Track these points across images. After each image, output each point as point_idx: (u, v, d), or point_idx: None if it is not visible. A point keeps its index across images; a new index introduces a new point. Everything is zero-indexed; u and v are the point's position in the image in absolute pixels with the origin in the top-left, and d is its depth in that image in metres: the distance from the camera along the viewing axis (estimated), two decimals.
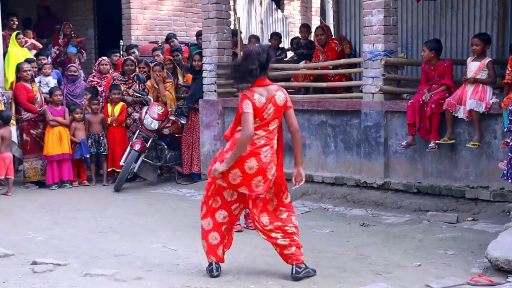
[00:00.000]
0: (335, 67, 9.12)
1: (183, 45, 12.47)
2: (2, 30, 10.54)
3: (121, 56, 11.44)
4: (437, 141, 7.48)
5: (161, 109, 9.77)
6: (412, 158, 7.92)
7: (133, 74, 10.28)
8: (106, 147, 10.02)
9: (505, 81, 7.00)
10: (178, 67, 10.89)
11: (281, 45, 11.87)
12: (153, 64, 10.38)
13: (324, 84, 9.03)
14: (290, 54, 11.96)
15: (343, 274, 5.33)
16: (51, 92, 10.06)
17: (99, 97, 10.33)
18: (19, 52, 10.36)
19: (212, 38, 9.84)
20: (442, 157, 7.66)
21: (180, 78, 10.86)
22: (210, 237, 5.28)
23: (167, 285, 5.05)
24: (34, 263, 5.55)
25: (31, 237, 6.74)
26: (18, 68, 9.73)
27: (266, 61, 5.14)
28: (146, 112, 9.73)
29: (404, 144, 7.73)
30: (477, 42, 7.38)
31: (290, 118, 5.20)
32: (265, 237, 5.24)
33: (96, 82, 10.67)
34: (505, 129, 6.42)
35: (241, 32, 10.81)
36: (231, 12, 11.88)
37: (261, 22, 15.49)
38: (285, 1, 16.44)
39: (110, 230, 7.07)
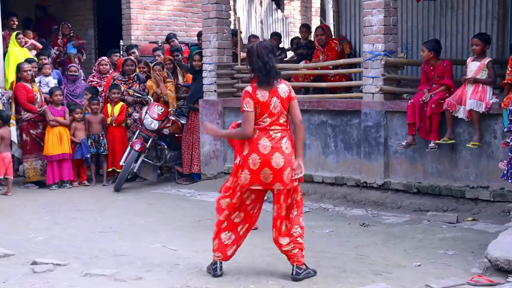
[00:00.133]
0: (335, 67, 9.12)
1: (183, 45, 12.48)
2: (2, 30, 10.55)
3: (121, 56, 11.44)
4: (437, 141, 7.48)
5: (161, 109, 9.77)
6: (412, 158, 7.92)
7: (133, 74, 10.28)
8: (106, 147, 10.02)
9: (505, 81, 7.00)
10: (178, 67, 10.90)
11: (281, 45, 11.88)
12: (153, 63, 10.38)
13: (324, 84, 9.03)
14: (290, 54, 11.96)
15: (343, 274, 5.33)
16: (51, 92, 10.06)
17: (99, 97, 10.33)
18: (19, 52, 10.37)
19: (212, 38, 9.84)
20: (442, 157, 7.66)
21: (180, 78, 10.87)
22: (224, 235, 5.28)
23: (167, 285, 5.06)
24: (34, 263, 5.55)
25: (31, 237, 6.74)
26: (19, 68, 9.73)
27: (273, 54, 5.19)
28: (146, 112, 9.73)
29: (404, 144, 7.73)
30: (477, 42, 7.38)
31: (294, 109, 5.20)
32: (274, 239, 5.27)
33: (96, 82, 10.68)
34: (505, 129, 6.42)
35: (241, 32, 10.81)
36: (231, 12, 11.88)
37: (261, 22, 15.50)
38: (285, 1, 16.45)
39: (110, 230, 7.07)
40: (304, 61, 9.66)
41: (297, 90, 9.84)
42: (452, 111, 7.34)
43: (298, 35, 11.40)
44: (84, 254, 6.00)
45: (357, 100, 8.36)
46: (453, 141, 7.47)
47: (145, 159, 9.77)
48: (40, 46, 11.59)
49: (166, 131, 10.00)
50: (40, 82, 10.45)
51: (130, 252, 6.06)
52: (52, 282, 5.11)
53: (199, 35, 10.97)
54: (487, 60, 7.32)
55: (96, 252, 6.07)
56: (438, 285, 4.96)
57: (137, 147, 9.51)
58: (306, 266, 5.25)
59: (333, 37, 10.19)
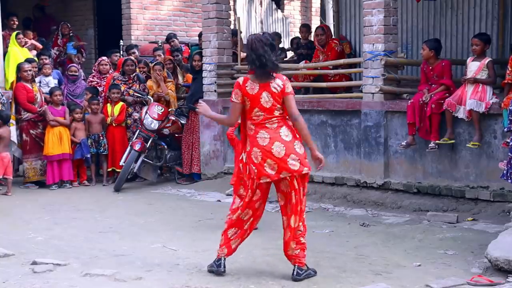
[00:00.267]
0: (335, 67, 9.12)
1: (183, 45, 12.47)
2: (2, 30, 10.53)
3: (121, 56, 11.44)
4: (437, 141, 7.48)
5: (161, 109, 9.77)
6: (412, 158, 7.92)
7: (133, 74, 10.28)
8: (106, 147, 10.02)
9: (505, 81, 7.00)
10: (178, 67, 10.90)
11: (281, 45, 11.89)
12: (153, 63, 10.38)
13: (324, 84, 9.03)
14: (290, 54, 11.96)
15: (343, 274, 5.33)
16: (51, 92, 10.06)
17: (99, 97, 10.33)
18: (19, 52, 10.36)
19: (212, 38, 9.85)
20: (442, 157, 7.66)
21: (180, 78, 10.87)
22: (231, 231, 5.29)
23: (167, 285, 5.05)
24: (34, 263, 5.54)
25: (31, 237, 6.74)
26: (19, 68, 9.73)
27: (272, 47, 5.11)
28: (146, 112, 9.73)
29: (404, 144, 7.73)
30: (477, 42, 7.38)
31: (287, 104, 5.11)
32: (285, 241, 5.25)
33: (96, 82, 10.68)
34: (505, 129, 6.42)
35: (241, 32, 10.81)
36: (231, 12, 11.88)
37: (261, 22, 15.49)
38: (285, 1, 16.44)
39: (110, 230, 7.06)
40: (304, 61, 9.66)
41: (297, 90, 9.84)
42: (452, 111, 7.34)
43: (298, 35, 11.40)
44: (84, 254, 6.00)
45: (357, 100, 8.36)
46: (453, 141, 7.47)
47: (145, 159, 9.77)
48: (40, 46, 11.58)
49: (166, 131, 10.00)
50: (40, 82, 10.45)
51: (130, 252, 6.05)
52: (52, 282, 5.10)
53: (201, 35, 10.97)
54: (487, 60, 7.32)
55: (96, 252, 6.07)
56: (438, 285, 4.96)
57: (137, 147, 9.51)
58: (307, 266, 5.25)
59: (333, 37, 10.19)
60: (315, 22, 15.77)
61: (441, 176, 7.70)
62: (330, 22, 14.53)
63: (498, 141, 7.18)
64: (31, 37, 11.50)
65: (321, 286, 5.06)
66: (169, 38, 12.18)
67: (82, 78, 11.17)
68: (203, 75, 9.96)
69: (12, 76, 9.96)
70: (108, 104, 10.15)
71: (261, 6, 15.54)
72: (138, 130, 9.78)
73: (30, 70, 9.71)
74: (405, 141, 7.73)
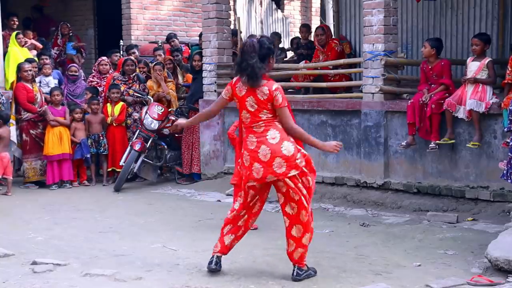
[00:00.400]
0: (335, 67, 9.12)
1: (183, 45, 12.47)
2: (2, 30, 10.54)
3: (121, 56, 11.44)
4: (437, 141, 7.48)
5: (161, 109, 9.77)
6: (412, 158, 7.92)
7: (133, 74, 10.28)
8: (106, 147, 10.02)
9: (505, 81, 7.00)
10: (178, 67, 10.90)
11: (281, 45, 11.88)
12: (153, 63, 10.38)
13: (324, 84, 9.03)
14: (290, 54, 11.96)
15: (343, 274, 5.33)
16: (51, 92, 10.06)
17: (99, 97, 10.33)
18: (19, 52, 10.36)
19: (212, 38, 9.85)
20: (442, 157, 7.66)
21: (180, 78, 10.87)
22: (226, 228, 5.31)
23: (167, 285, 5.05)
24: (34, 263, 5.54)
25: (31, 237, 6.74)
26: (19, 68, 9.73)
27: (265, 53, 5.05)
28: (146, 112, 9.73)
29: (404, 144, 7.73)
30: (477, 42, 7.38)
31: (281, 118, 5.07)
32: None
33: (96, 82, 10.68)
34: (505, 129, 6.42)
35: (241, 32, 10.82)
36: (231, 12, 11.88)
37: (261, 22, 15.49)
38: (285, 1, 16.45)
39: (110, 230, 7.06)
40: (304, 61, 9.65)
41: (297, 90, 9.87)
42: (452, 111, 7.34)
43: (298, 35, 11.40)
44: (84, 254, 5.99)
45: (357, 100, 8.36)
46: (453, 141, 7.47)
47: (145, 159, 9.77)
48: (40, 46, 11.58)
49: (166, 131, 9.99)
50: (40, 82, 10.45)
51: (130, 252, 6.05)
52: (52, 282, 5.10)
53: (201, 35, 10.97)
54: (487, 60, 7.32)
55: (96, 252, 6.06)
56: (438, 285, 4.96)
57: (137, 147, 9.51)
58: (307, 266, 5.24)
59: (333, 37, 10.19)
60: (315, 22, 15.78)
61: (441, 176, 7.70)
62: (330, 22, 14.53)
63: (498, 141, 7.18)
64: (31, 37, 11.50)
65: (321, 286, 5.06)
66: (169, 38, 12.18)
67: (82, 78, 11.17)
68: (203, 75, 9.96)
69: (12, 76, 9.96)
70: (108, 104, 10.15)
71: (261, 6, 15.54)
72: (138, 130, 9.78)
73: (30, 70, 9.71)
74: (405, 141, 7.73)
